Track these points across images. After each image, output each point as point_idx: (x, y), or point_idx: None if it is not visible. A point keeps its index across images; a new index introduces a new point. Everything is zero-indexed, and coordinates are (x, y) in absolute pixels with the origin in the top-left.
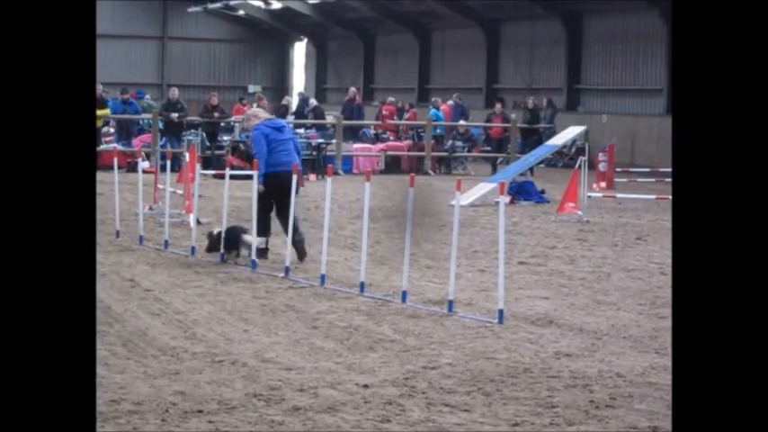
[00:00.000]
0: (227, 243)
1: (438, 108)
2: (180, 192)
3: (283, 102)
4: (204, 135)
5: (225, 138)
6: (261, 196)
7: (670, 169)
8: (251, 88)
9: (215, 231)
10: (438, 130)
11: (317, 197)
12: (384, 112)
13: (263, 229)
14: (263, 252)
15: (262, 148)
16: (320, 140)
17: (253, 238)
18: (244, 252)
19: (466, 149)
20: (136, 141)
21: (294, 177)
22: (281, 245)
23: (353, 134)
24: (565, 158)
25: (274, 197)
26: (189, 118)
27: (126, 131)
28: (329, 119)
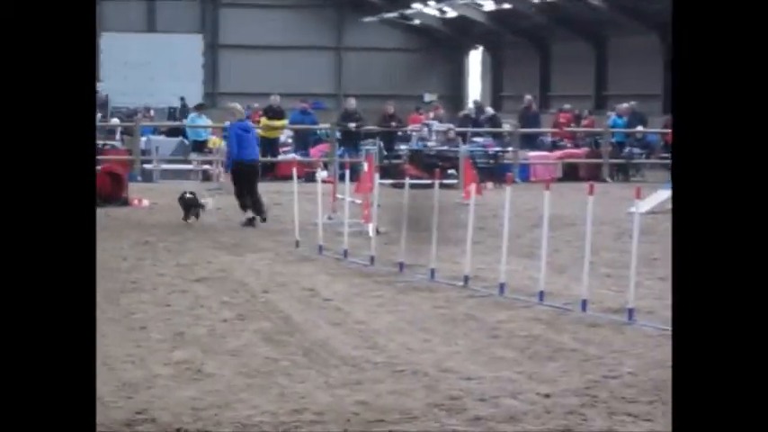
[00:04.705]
0: (188, 207)
1: (620, 115)
2: (358, 201)
3: (465, 111)
4: (381, 144)
5: (402, 147)
6: (235, 181)
7: None
8: (427, 97)
9: (187, 195)
10: (614, 138)
11: (494, 206)
12: (561, 120)
13: (244, 205)
14: (250, 221)
15: (233, 144)
16: (497, 149)
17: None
18: (199, 213)
19: (644, 156)
20: (313, 151)
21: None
22: (461, 254)
23: (530, 142)
24: None
25: (244, 179)
26: (366, 127)
27: (303, 142)
28: (506, 127)
